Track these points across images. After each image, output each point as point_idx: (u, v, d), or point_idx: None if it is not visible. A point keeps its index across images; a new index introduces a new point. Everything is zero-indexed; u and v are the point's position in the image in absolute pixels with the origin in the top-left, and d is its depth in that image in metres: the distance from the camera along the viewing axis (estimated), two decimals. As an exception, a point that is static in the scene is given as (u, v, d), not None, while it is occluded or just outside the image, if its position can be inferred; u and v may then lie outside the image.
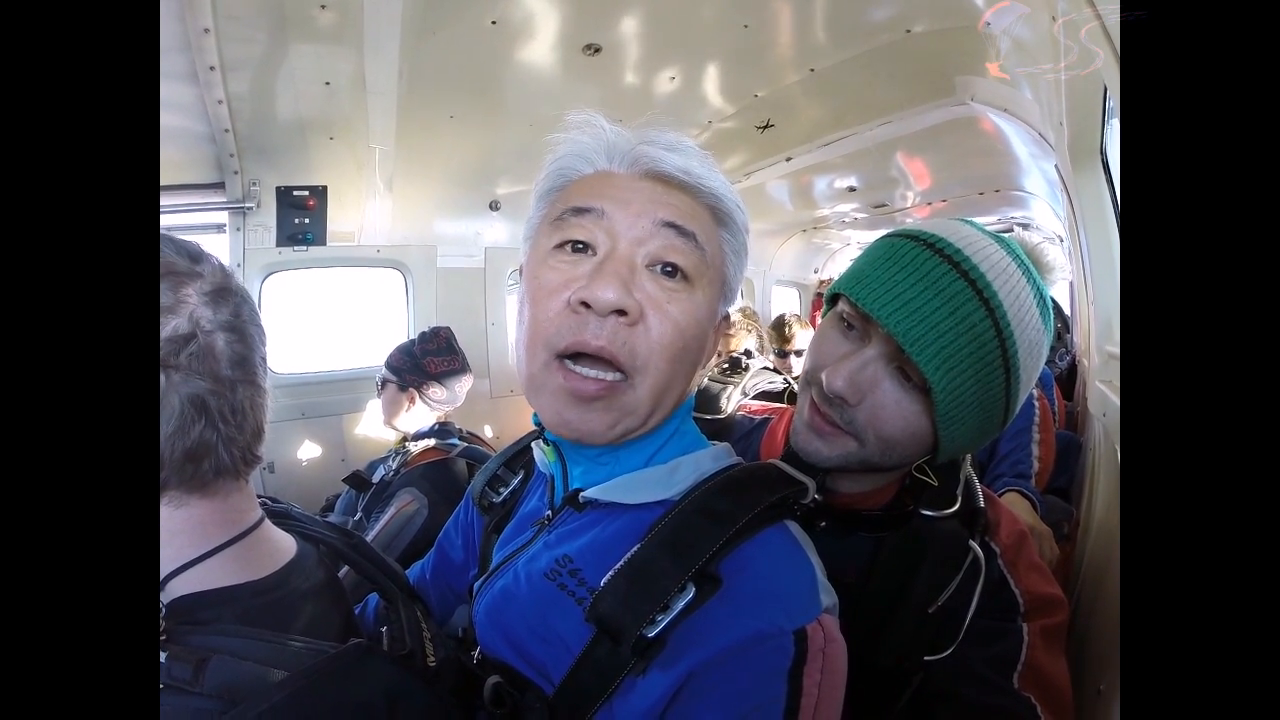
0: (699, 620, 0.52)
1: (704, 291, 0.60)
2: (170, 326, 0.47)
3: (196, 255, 0.51)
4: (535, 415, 0.67)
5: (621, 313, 0.55)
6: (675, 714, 0.51)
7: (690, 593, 0.53)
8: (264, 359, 0.55)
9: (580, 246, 0.58)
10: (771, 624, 0.51)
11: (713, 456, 0.65)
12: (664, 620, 0.52)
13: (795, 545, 0.59)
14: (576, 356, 0.57)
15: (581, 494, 0.63)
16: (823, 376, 0.69)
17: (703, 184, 0.61)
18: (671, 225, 0.58)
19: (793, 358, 2.68)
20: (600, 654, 0.54)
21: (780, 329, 2.75)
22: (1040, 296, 0.69)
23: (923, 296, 0.65)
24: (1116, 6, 0.90)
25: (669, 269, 0.58)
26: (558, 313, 0.57)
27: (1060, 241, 2.78)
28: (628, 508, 0.61)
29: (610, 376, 0.57)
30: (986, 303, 0.64)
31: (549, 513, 0.68)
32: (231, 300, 0.51)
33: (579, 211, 0.59)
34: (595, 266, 0.57)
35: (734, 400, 1.19)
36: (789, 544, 0.59)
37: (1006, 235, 0.72)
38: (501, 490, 0.79)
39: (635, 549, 0.56)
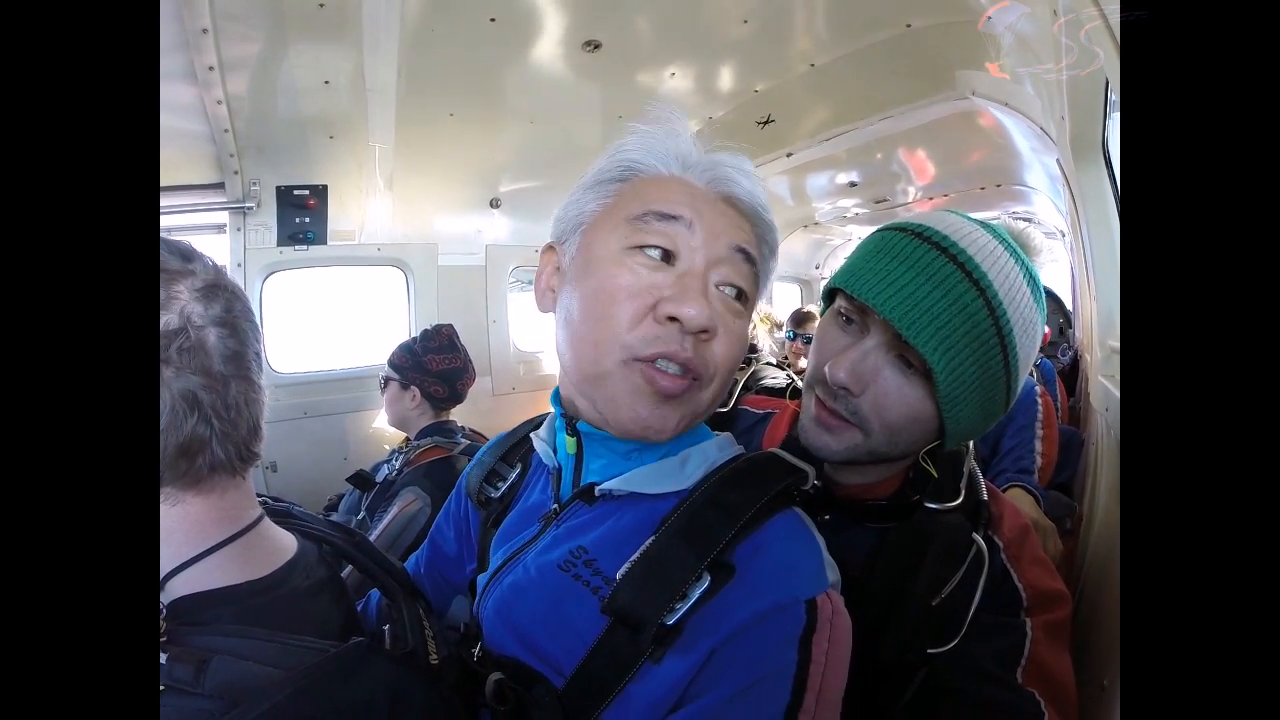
0: (716, 605, 0.54)
1: (750, 311, 0.66)
2: (161, 322, 0.47)
3: (188, 254, 0.51)
4: (558, 406, 0.69)
5: (704, 330, 0.58)
6: (696, 688, 0.53)
7: (706, 581, 0.55)
8: (258, 355, 0.55)
9: (660, 253, 0.60)
10: (787, 594, 0.54)
11: (717, 446, 0.68)
12: (682, 608, 0.54)
13: (802, 526, 0.62)
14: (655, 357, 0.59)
15: (599, 486, 0.64)
16: (825, 370, 0.71)
17: (764, 216, 0.66)
18: (742, 251, 0.62)
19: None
20: (616, 642, 0.55)
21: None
22: (1030, 276, 0.71)
23: (915, 282, 0.67)
24: (1117, 5, 0.90)
25: (734, 290, 0.62)
26: (638, 318, 0.59)
27: (1062, 236, 2.77)
28: (639, 501, 0.63)
29: (689, 377, 0.60)
30: (977, 284, 0.67)
31: (555, 506, 0.68)
32: (223, 296, 0.51)
33: (665, 217, 0.60)
34: (679, 280, 0.59)
35: (737, 395, 1.20)
36: (796, 526, 0.62)
37: (993, 222, 0.74)
38: (499, 485, 0.78)
39: (650, 541, 0.58)
